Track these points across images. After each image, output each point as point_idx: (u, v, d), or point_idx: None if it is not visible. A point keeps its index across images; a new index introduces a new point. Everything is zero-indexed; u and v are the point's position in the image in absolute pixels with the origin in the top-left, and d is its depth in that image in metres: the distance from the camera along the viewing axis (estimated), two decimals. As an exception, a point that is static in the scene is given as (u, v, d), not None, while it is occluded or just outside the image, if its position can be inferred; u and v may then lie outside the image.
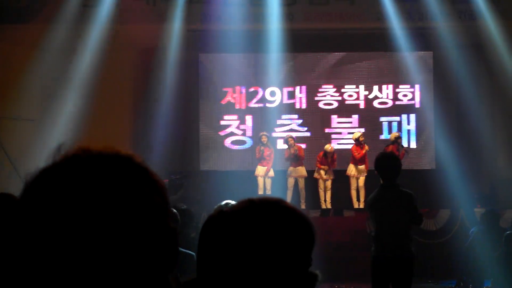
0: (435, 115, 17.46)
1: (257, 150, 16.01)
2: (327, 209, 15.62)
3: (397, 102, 17.75)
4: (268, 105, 17.75)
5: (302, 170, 15.93)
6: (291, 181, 15.96)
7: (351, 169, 15.84)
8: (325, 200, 15.87)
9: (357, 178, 15.78)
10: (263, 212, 1.67)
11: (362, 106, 17.78)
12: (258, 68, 17.68)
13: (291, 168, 15.96)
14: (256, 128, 17.51)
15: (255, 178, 15.89)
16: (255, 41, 16.86)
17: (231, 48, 16.93)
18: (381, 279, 8.00)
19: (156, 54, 17.45)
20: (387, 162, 8.04)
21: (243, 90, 17.82)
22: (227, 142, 17.71)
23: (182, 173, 15.78)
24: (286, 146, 16.03)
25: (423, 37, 17.19)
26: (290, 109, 17.79)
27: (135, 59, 18.19)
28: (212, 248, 1.66)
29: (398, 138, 15.49)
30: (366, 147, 15.75)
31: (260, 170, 15.88)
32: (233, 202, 4.09)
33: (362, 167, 15.71)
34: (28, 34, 16.88)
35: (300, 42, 17.30)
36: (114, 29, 16.29)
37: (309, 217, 1.70)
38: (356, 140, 15.81)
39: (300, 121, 17.81)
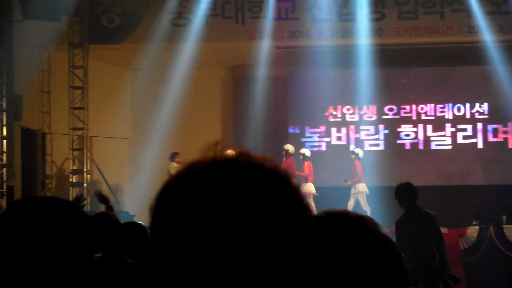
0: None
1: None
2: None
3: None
4: (352, 119, 17.71)
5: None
6: None
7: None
8: None
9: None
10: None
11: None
12: (347, 84, 17.60)
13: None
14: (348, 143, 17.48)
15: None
16: (343, 57, 16.80)
17: (319, 64, 16.91)
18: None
19: (245, 72, 17.58)
20: (406, 190, 8.73)
21: (333, 106, 17.77)
22: (315, 157, 17.66)
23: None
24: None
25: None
26: (376, 123, 17.71)
27: (224, 76, 18.40)
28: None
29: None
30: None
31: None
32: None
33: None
34: (120, 54, 17.26)
35: (389, 57, 17.15)
36: (203, 47, 16.48)
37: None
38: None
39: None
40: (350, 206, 15.53)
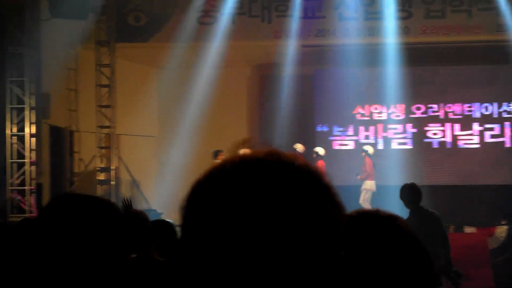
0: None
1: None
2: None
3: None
4: (380, 117, 17.66)
5: None
6: None
7: None
8: None
9: None
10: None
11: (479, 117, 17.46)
12: (373, 82, 17.54)
13: None
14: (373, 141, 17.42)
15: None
16: (370, 55, 16.74)
17: (346, 62, 16.87)
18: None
19: (271, 70, 17.59)
20: (411, 191, 8.79)
21: (361, 105, 17.73)
22: (342, 155, 17.62)
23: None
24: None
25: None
26: (404, 122, 17.65)
27: (250, 75, 18.41)
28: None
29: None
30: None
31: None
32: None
33: None
34: (147, 53, 17.33)
35: (416, 56, 17.07)
36: (229, 46, 16.50)
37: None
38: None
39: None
40: (361, 202, 15.55)
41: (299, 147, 16.11)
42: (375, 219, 1.78)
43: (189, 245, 1.21)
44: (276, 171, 1.20)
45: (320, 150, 16.20)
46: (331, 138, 17.75)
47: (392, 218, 1.79)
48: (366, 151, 16.22)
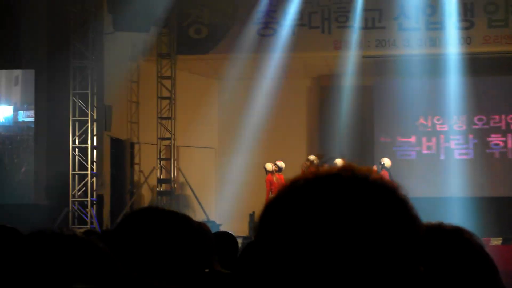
0: None
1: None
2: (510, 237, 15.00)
3: None
4: (442, 128, 17.48)
5: None
6: None
7: None
8: None
9: None
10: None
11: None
12: (435, 93, 17.34)
13: None
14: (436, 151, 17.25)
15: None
16: (431, 66, 16.57)
17: (406, 73, 16.73)
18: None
19: (331, 81, 17.55)
20: None
21: (423, 116, 17.56)
22: (405, 166, 17.45)
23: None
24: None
25: None
26: (466, 133, 17.44)
27: (310, 86, 18.39)
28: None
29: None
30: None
31: None
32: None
33: None
34: (207, 64, 17.45)
35: (478, 66, 16.84)
36: (289, 57, 16.51)
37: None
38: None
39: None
40: None
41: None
42: (439, 233, 1.74)
43: (266, 261, 1.20)
44: (349, 186, 1.18)
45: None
46: (395, 148, 17.58)
47: (458, 231, 1.76)
48: (382, 164, 15.87)
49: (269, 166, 15.09)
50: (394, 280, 1.16)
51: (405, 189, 1.28)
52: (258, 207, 1.31)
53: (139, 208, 2.25)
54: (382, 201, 1.18)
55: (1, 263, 1.48)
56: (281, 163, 15.17)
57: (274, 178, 14.88)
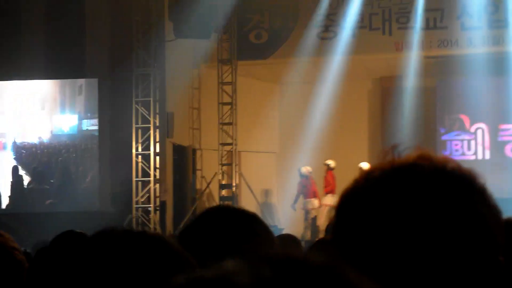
0: None
1: None
2: None
3: None
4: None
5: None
6: None
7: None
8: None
9: None
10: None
11: None
12: (501, 93, 17.03)
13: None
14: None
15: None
16: (495, 65, 16.29)
17: (470, 73, 16.48)
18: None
19: (392, 83, 17.41)
20: None
21: (485, 115, 17.28)
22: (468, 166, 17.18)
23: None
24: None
25: None
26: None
27: (372, 88, 18.28)
28: None
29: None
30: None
31: None
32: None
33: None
34: (267, 69, 17.49)
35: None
36: (350, 59, 16.42)
37: None
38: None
39: None
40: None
41: None
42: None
43: (344, 256, 1.19)
44: (426, 176, 1.17)
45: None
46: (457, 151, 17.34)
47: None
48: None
49: (304, 169, 16.00)
50: (476, 271, 1.14)
51: (483, 177, 1.26)
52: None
53: (212, 207, 2.26)
54: (461, 191, 1.17)
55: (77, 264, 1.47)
56: (331, 162, 15.85)
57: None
